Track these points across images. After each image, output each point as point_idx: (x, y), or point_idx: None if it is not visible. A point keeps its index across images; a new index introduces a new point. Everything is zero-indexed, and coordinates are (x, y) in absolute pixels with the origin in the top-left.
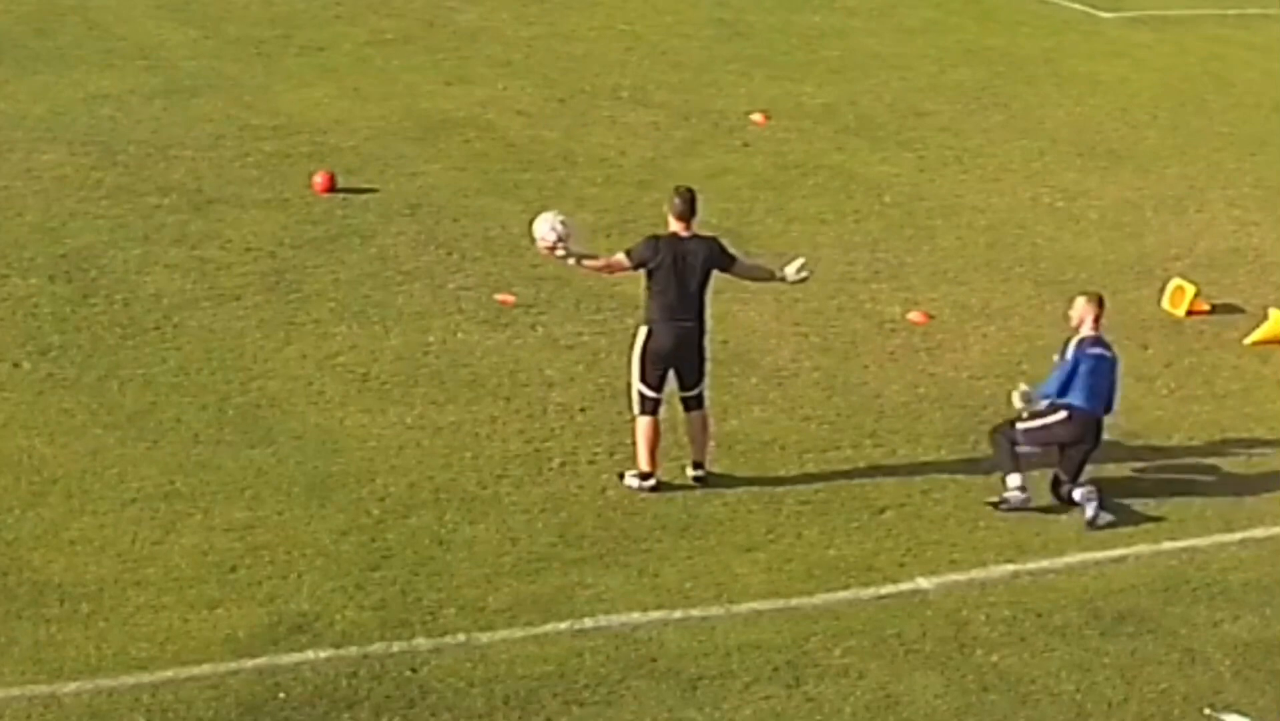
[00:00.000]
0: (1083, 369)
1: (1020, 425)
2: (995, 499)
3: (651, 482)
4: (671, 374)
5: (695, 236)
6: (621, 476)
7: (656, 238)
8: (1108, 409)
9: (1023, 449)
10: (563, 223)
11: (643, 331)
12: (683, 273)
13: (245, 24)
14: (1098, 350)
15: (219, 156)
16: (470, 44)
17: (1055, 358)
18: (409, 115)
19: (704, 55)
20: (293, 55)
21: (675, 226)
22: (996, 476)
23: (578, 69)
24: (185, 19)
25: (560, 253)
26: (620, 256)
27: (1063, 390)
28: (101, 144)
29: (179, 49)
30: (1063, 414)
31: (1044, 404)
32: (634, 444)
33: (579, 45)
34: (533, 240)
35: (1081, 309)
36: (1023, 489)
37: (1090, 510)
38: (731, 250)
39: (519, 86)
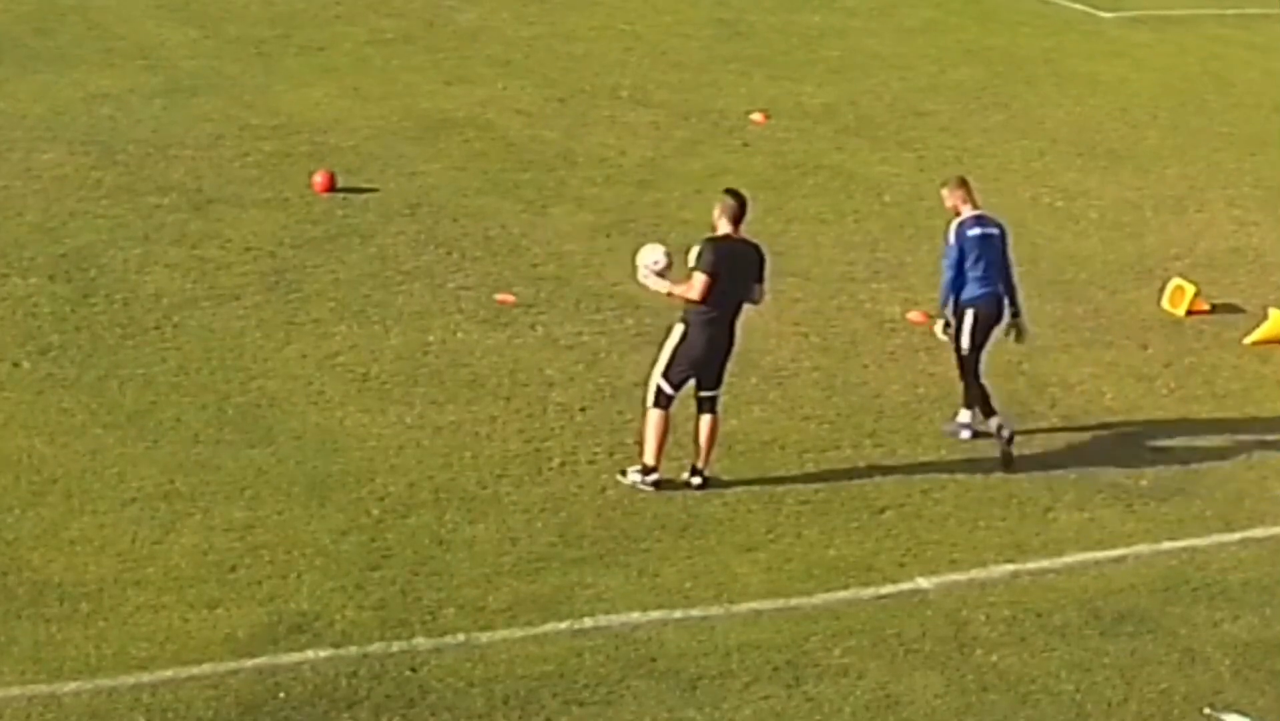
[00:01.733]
0: (966, 252)
1: (962, 355)
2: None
3: (654, 478)
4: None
5: (744, 240)
6: (623, 473)
7: (714, 240)
8: (1009, 287)
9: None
10: (666, 254)
11: (678, 329)
12: (734, 277)
13: (245, 24)
14: (978, 230)
15: (219, 156)
16: (470, 44)
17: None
18: (409, 115)
19: (704, 55)
20: (293, 55)
21: (727, 228)
22: (997, 475)
23: (578, 69)
24: (185, 19)
25: (654, 282)
26: (700, 276)
27: (957, 285)
28: (101, 143)
29: (179, 49)
30: (969, 314)
31: (948, 312)
32: (639, 441)
33: (579, 45)
34: (634, 269)
35: (948, 199)
36: (967, 425)
37: (1006, 431)
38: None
39: (519, 86)
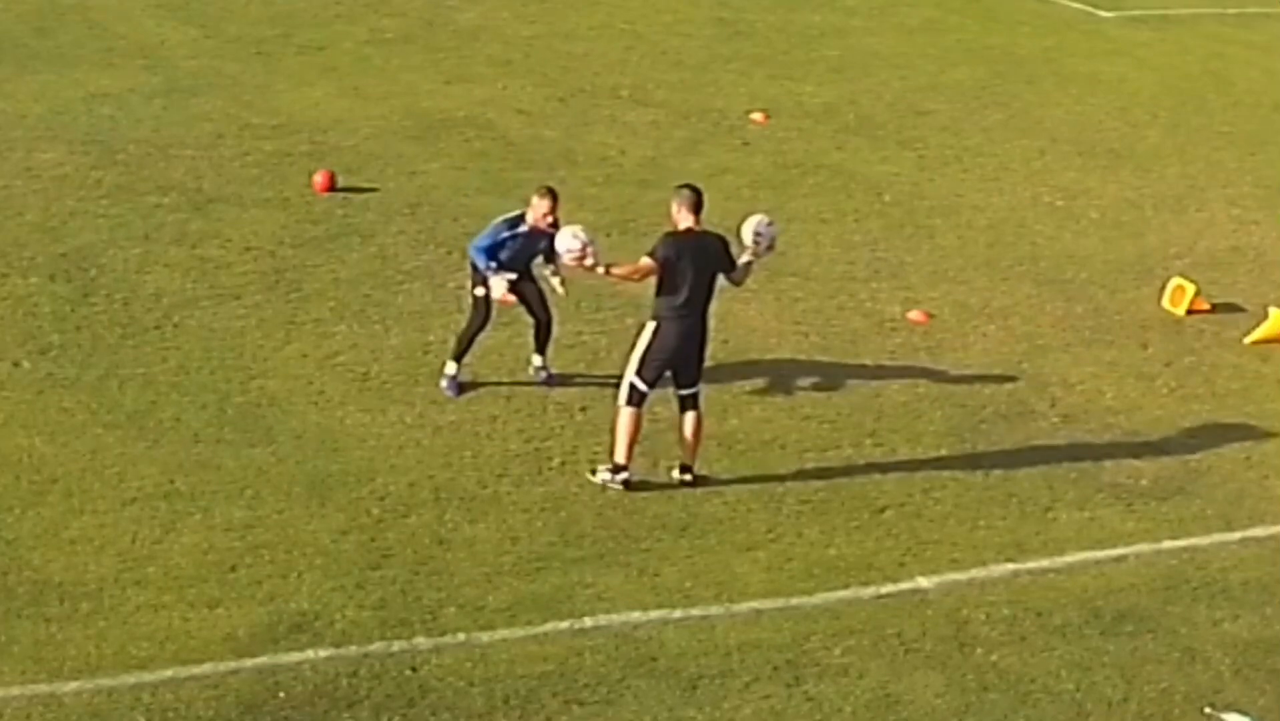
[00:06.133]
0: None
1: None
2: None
3: (624, 476)
4: (667, 372)
5: (706, 232)
6: (593, 472)
7: (673, 234)
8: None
9: None
10: (583, 229)
11: (650, 326)
12: (699, 269)
13: (245, 23)
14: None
15: (219, 156)
16: (470, 43)
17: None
18: (409, 114)
19: (704, 54)
20: (293, 55)
21: (687, 221)
22: (997, 475)
23: (578, 68)
24: (185, 18)
25: (589, 261)
26: (646, 260)
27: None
28: (101, 143)
29: (179, 48)
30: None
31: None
32: (612, 435)
33: (579, 44)
34: (558, 255)
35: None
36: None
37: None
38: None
39: (519, 85)
